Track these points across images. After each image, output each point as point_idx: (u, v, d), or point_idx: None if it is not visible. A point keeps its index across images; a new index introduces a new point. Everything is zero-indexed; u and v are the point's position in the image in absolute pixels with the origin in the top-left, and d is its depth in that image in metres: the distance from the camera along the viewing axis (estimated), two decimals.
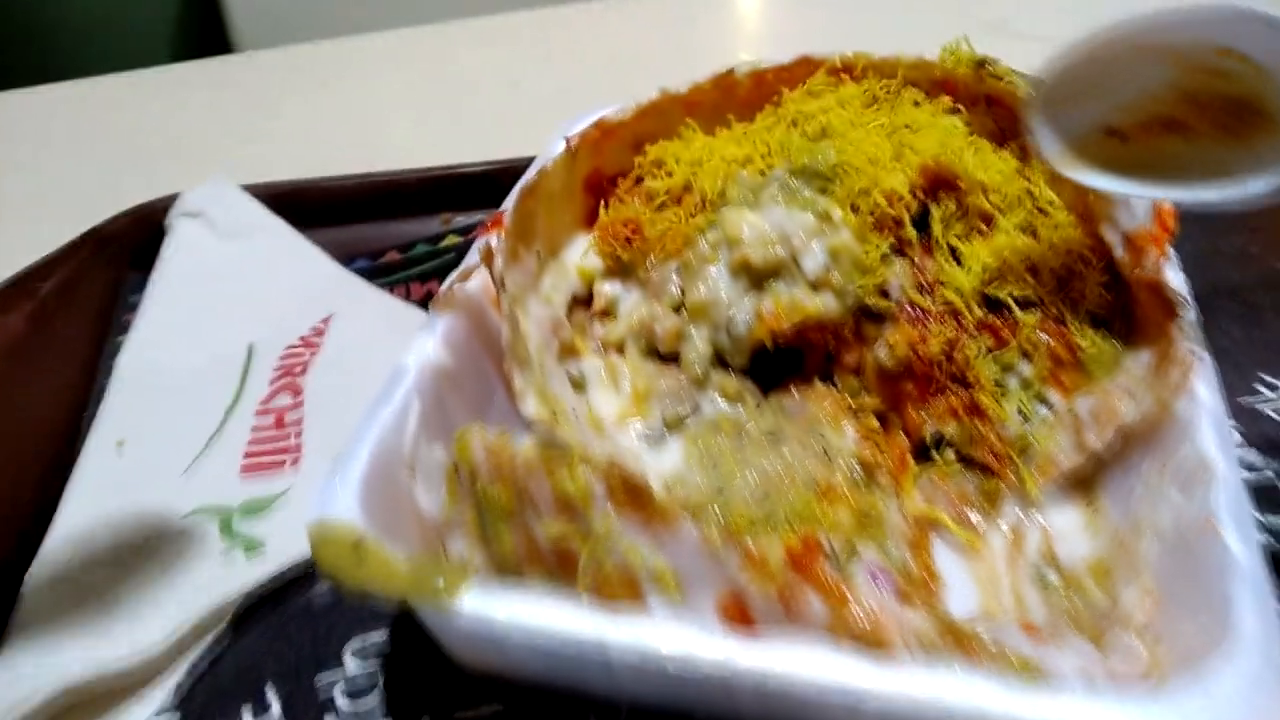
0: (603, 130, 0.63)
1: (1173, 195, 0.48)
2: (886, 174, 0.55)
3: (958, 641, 0.42)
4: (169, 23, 1.92)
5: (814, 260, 0.55)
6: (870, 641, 0.41)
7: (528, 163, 0.88)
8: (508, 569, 0.43)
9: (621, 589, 0.40)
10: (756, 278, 0.57)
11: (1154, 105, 0.45)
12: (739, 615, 0.39)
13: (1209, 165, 0.45)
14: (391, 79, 1.34)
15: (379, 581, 0.41)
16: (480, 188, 0.90)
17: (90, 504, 0.61)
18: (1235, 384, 0.65)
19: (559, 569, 0.42)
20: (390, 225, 0.89)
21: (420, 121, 1.22)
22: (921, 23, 1.32)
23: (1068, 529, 0.53)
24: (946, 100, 0.59)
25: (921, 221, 0.57)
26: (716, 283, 0.57)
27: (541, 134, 1.06)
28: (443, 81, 1.31)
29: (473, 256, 0.59)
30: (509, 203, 0.62)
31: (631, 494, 0.39)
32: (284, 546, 0.58)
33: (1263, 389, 0.65)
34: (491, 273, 0.53)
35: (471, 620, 0.40)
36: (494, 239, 0.56)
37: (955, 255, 0.56)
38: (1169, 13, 0.43)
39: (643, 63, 1.29)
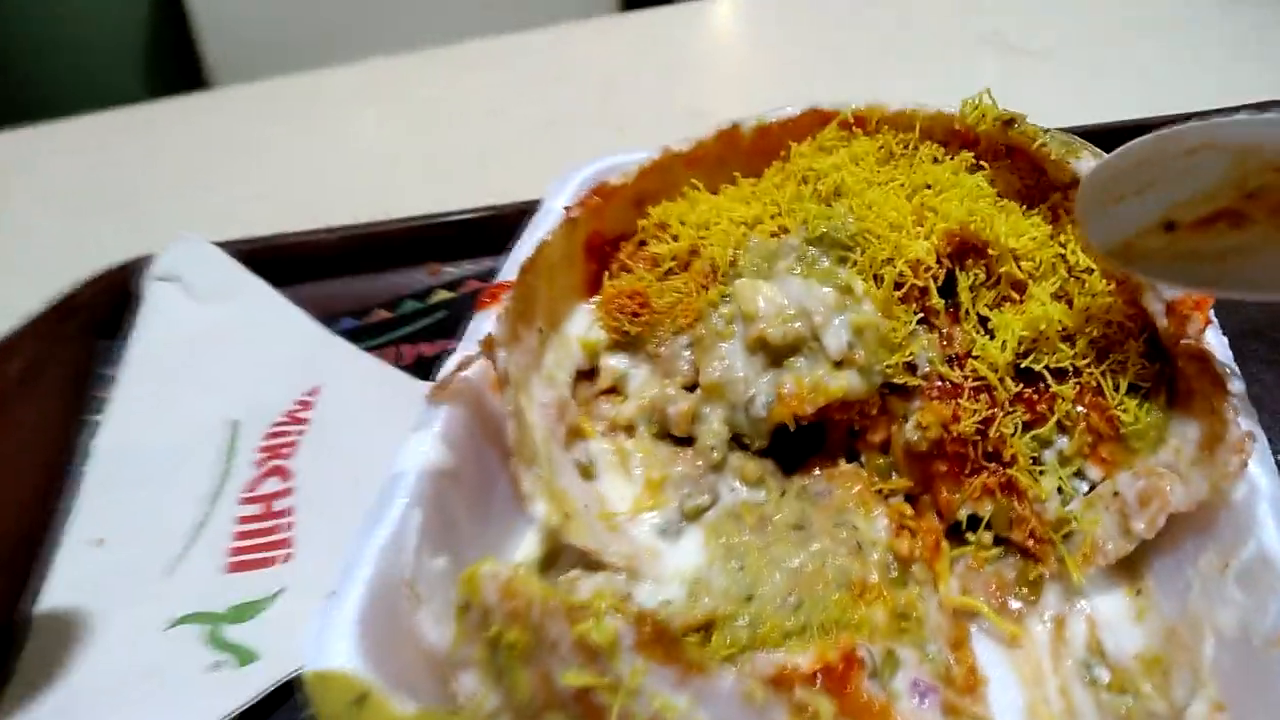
0: (604, 195, 0.59)
1: (1228, 293, 0.46)
2: (910, 241, 0.52)
3: None
4: (140, 56, 1.87)
5: (837, 338, 0.51)
6: None
7: (514, 209, 0.85)
8: (525, 713, 0.40)
9: None
10: (775, 355, 0.53)
11: (1212, 201, 0.43)
12: None
13: (1262, 253, 0.42)
14: (368, 110, 1.30)
15: None
16: (467, 236, 0.86)
17: (70, 615, 0.57)
18: (1271, 433, 0.62)
19: (582, 718, 0.38)
20: (375, 278, 0.85)
21: (400, 154, 1.18)
22: (917, 36, 1.29)
23: (1113, 617, 0.50)
24: (968, 156, 0.56)
25: (947, 288, 0.53)
26: (733, 360, 0.54)
27: (528, 166, 1.03)
28: (422, 111, 1.27)
29: (470, 340, 0.55)
30: (509, 273, 0.59)
31: (664, 643, 0.36)
32: (279, 654, 0.54)
33: None
34: (495, 365, 0.49)
35: None
36: (493, 323, 0.52)
37: (985, 325, 0.53)
38: (1228, 122, 0.41)
39: (625, 86, 1.26)
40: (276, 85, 1.36)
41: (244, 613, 0.57)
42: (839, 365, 0.52)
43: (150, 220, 1.06)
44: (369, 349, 0.76)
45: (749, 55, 1.39)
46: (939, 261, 0.52)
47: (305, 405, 0.70)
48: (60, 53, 1.81)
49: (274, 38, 1.67)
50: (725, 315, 0.55)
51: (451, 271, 0.85)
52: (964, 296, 0.53)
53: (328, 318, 0.79)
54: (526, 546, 0.52)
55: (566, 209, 0.59)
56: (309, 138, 1.24)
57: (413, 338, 0.78)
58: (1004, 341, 0.51)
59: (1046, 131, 0.53)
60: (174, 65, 1.81)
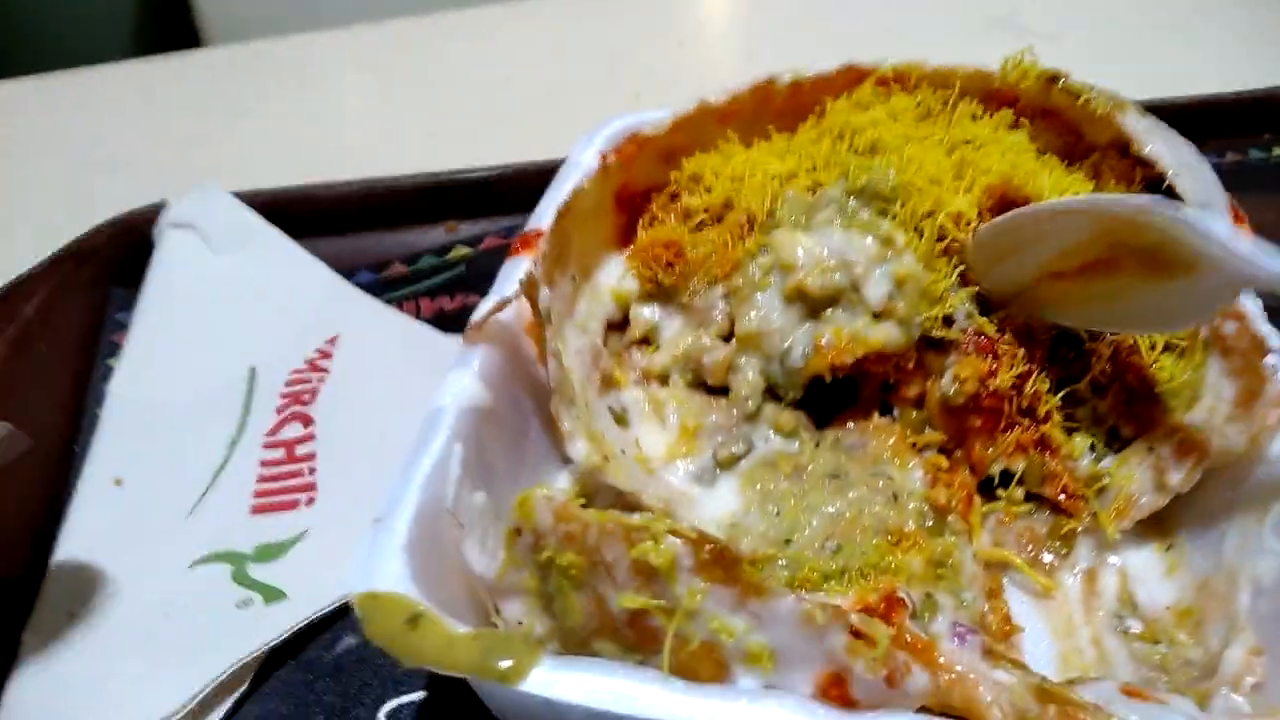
0: (638, 144, 0.59)
1: (1127, 330, 0.51)
2: (951, 195, 0.52)
3: (1059, 709, 0.40)
4: (132, 15, 1.84)
5: (877, 289, 0.51)
6: (966, 711, 0.38)
7: (535, 169, 0.84)
8: (574, 639, 0.40)
9: (708, 666, 0.37)
10: (813, 306, 0.53)
11: (1084, 252, 0.47)
12: (839, 695, 0.36)
13: (1139, 294, 0.46)
14: (375, 74, 1.29)
15: (439, 657, 0.37)
16: (484, 194, 0.86)
17: (89, 551, 0.56)
18: None
19: (636, 643, 0.38)
20: (392, 234, 0.84)
21: (404, 119, 1.17)
22: (929, 17, 1.29)
23: (1144, 572, 0.51)
24: (1008, 114, 0.56)
25: None
26: (769, 311, 0.54)
27: (537, 133, 1.02)
28: (431, 76, 1.26)
29: (504, 283, 0.55)
30: (541, 221, 0.58)
31: (723, 565, 0.36)
32: (306, 593, 0.54)
33: None
34: (535, 306, 0.49)
35: (543, 701, 0.37)
36: (529, 263, 0.52)
37: None
38: (1086, 200, 0.49)
39: (637, 56, 1.25)
40: (280, 45, 1.34)
41: (270, 553, 0.56)
42: (878, 317, 0.52)
43: (150, 176, 1.04)
44: (388, 301, 0.75)
45: (760, 30, 1.38)
46: (980, 215, 0.52)
47: (325, 354, 0.69)
48: (53, 9, 1.78)
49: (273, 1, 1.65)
50: (763, 265, 0.54)
51: (469, 229, 0.84)
52: None
53: (345, 271, 0.78)
54: (559, 490, 0.52)
55: (602, 155, 0.59)
56: (314, 99, 1.23)
57: (432, 291, 0.77)
58: None
59: (1092, 88, 0.53)
60: (168, 27, 1.79)
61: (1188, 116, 0.91)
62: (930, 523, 0.49)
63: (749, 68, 0.65)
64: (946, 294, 0.52)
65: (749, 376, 0.54)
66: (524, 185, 0.75)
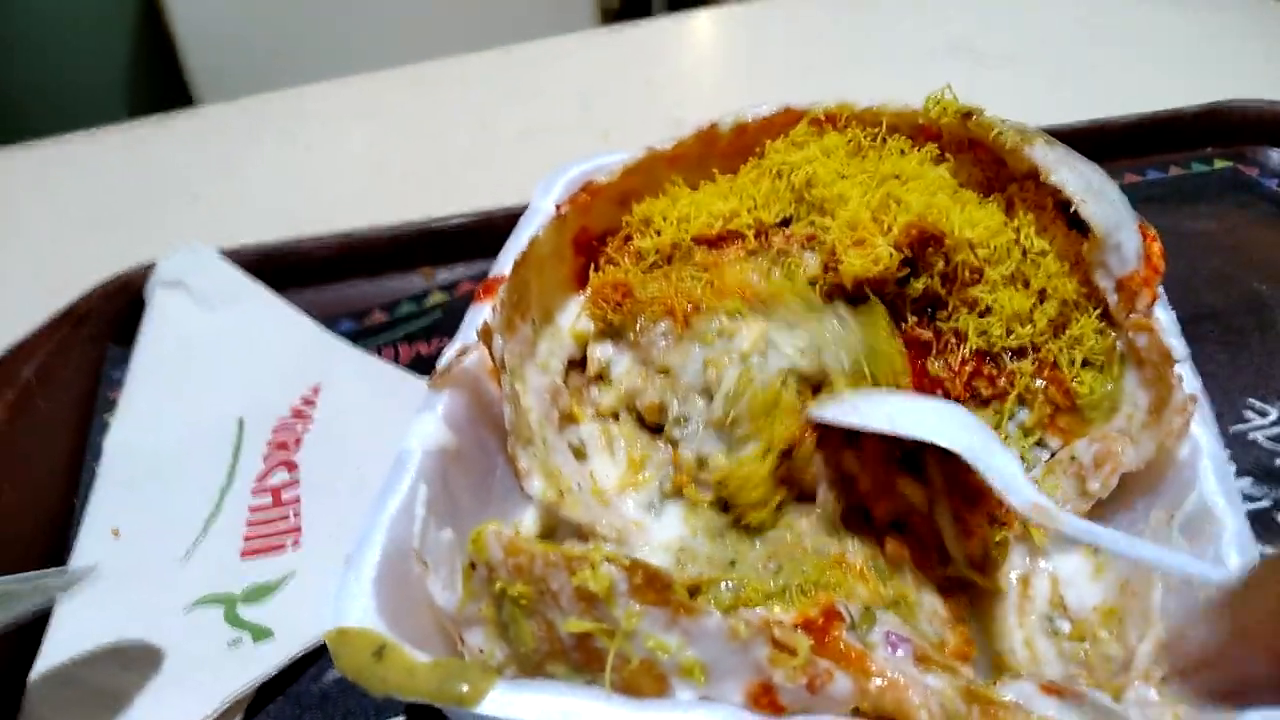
0: (591, 192, 0.63)
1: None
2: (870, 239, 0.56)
3: (982, 708, 0.43)
4: (125, 77, 1.89)
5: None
6: (897, 714, 0.42)
7: (504, 214, 0.89)
8: (529, 663, 0.43)
9: (648, 682, 0.40)
10: None
11: None
12: (768, 703, 0.39)
13: None
14: (358, 125, 1.33)
15: (403, 685, 0.41)
16: (459, 241, 0.90)
17: (89, 600, 0.60)
18: (1224, 411, 0.66)
19: (583, 663, 0.42)
20: (371, 283, 0.89)
21: (387, 166, 1.21)
22: (887, 47, 1.33)
23: (1074, 575, 0.54)
24: (932, 148, 0.60)
25: (905, 279, 0.57)
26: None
27: (512, 175, 1.06)
28: (407, 124, 1.31)
29: (468, 331, 0.58)
30: (502, 269, 0.62)
31: (655, 587, 0.39)
32: (292, 630, 0.58)
33: (1252, 414, 0.66)
34: (491, 353, 0.53)
35: None
36: (489, 314, 0.56)
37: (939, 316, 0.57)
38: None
39: (607, 97, 1.29)
40: (264, 101, 1.39)
41: (258, 594, 0.60)
42: None
43: (147, 233, 1.08)
44: (368, 348, 0.79)
45: (726, 67, 1.43)
46: (899, 249, 0.56)
47: (309, 402, 0.73)
48: (41, 73, 1.83)
49: (257, 57, 1.70)
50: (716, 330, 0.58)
51: (445, 275, 0.89)
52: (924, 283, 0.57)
53: (327, 320, 0.82)
54: (525, 524, 0.56)
55: (556, 206, 0.63)
56: (297, 152, 1.27)
57: (410, 338, 0.81)
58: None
59: (1003, 122, 0.56)
60: (157, 84, 1.84)
61: (1134, 132, 0.95)
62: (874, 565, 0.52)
63: (718, 102, 0.69)
64: None
65: (673, 413, 0.57)
66: (496, 230, 0.79)
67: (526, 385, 0.58)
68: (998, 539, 0.55)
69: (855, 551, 0.51)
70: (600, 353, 0.62)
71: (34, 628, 0.59)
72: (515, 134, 1.22)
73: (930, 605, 0.49)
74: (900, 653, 0.46)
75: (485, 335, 0.53)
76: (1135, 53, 1.22)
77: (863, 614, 0.48)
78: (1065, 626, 0.52)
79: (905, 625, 0.47)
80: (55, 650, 0.57)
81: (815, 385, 0.54)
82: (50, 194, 1.20)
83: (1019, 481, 0.44)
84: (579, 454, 0.58)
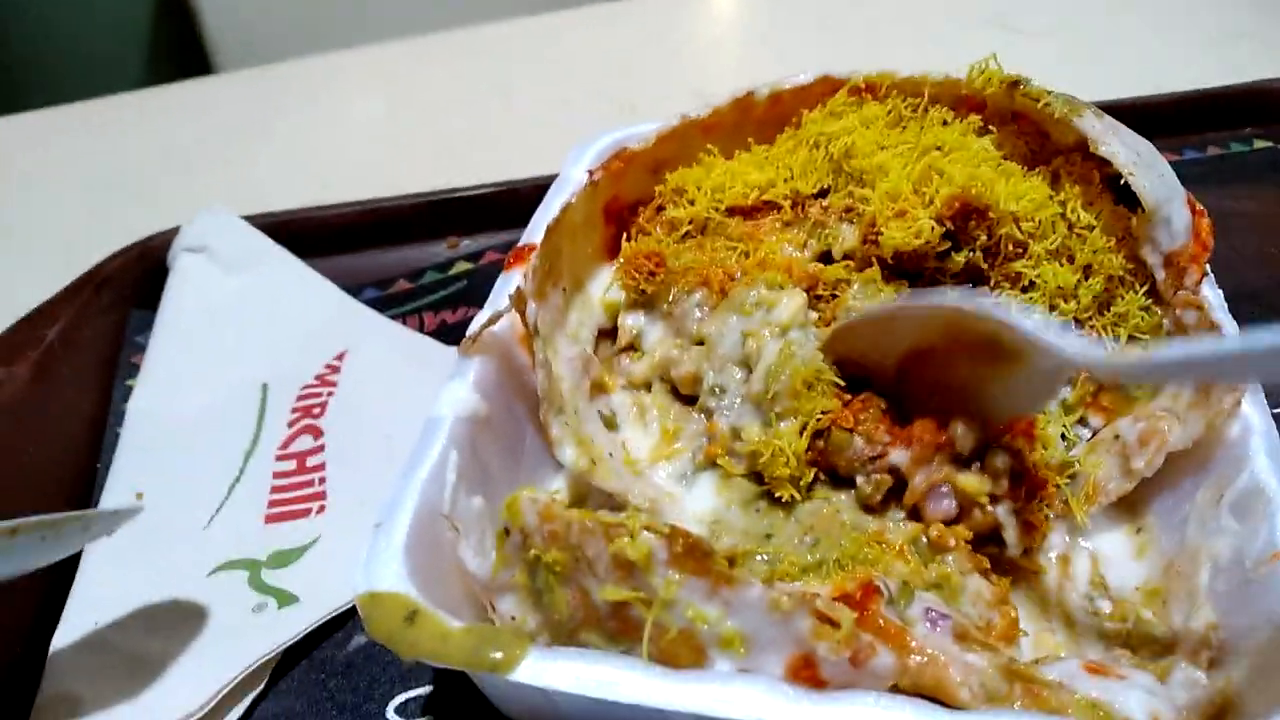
0: (625, 160, 0.62)
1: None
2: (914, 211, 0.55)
3: (1024, 687, 0.42)
4: (145, 44, 1.88)
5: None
6: (937, 691, 0.41)
7: (529, 184, 0.87)
8: (562, 631, 0.42)
9: (686, 652, 0.39)
10: None
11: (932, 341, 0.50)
12: (809, 676, 0.38)
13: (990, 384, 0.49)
14: (379, 94, 1.32)
15: (435, 650, 0.40)
16: (484, 210, 0.89)
17: (112, 563, 0.59)
18: (1268, 392, 0.64)
19: (619, 632, 0.41)
20: (396, 251, 0.88)
21: (410, 136, 1.20)
22: (919, 20, 1.31)
23: (1115, 554, 0.53)
24: (976, 119, 0.58)
25: (946, 253, 0.56)
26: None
27: (534, 145, 1.05)
28: (432, 94, 1.29)
29: (499, 298, 0.57)
30: (533, 236, 0.61)
31: (695, 557, 0.38)
32: (317, 596, 0.57)
33: None
34: (524, 318, 0.52)
35: (532, 689, 0.39)
36: (521, 280, 0.55)
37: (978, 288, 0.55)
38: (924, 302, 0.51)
39: (630, 68, 1.28)
40: (287, 69, 1.38)
41: (283, 559, 0.59)
42: None
43: (166, 199, 1.08)
44: (392, 316, 0.78)
45: (753, 39, 1.41)
46: (941, 223, 0.54)
47: (333, 369, 0.72)
48: (64, 42, 1.83)
49: (277, 26, 1.69)
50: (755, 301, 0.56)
51: (470, 244, 0.88)
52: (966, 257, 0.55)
53: (351, 288, 0.81)
54: (556, 492, 0.55)
55: (589, 172, 0.61)
56: (320, 120, 1.26)
57: (435, 306, 0.80)
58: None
59: (1050, 93, 0.55)
60: (178, 53, 1.83)
61: (1172, 111, 0.94)
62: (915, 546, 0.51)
63: (743, 75, 0.68)
64: None
65: (708, 383, 0.56)
66: (522, 200, 0.78)
67: (557, 353, 0.57)
68: (1040, 517, 0.54)
69: (895, 531, 0.50)
70: (632, 322, 0.61)
71: (57, 593, 0.58)
72: (537, 105, 1.21)
73: (974, 588, 0.47)
74: (939, 629, 0.45)
75: (519, 301, 0.52)
76: (1175, 29, 1.20)
77: (900, 589, 0.47)
78: (1106, 606, 0.51)
79: (945, 604, 0.47)
80: (78, 615, 0.57)
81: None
82: (73, 159, 1.19)
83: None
84: (609, 424, 0.58)
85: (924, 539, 0.49)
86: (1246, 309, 0.71)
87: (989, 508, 0.50)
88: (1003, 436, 0.50)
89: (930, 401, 0.51)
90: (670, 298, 0.60)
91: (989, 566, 0.49)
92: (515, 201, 0.85)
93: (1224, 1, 1.24)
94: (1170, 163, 0.89)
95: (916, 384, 0.52)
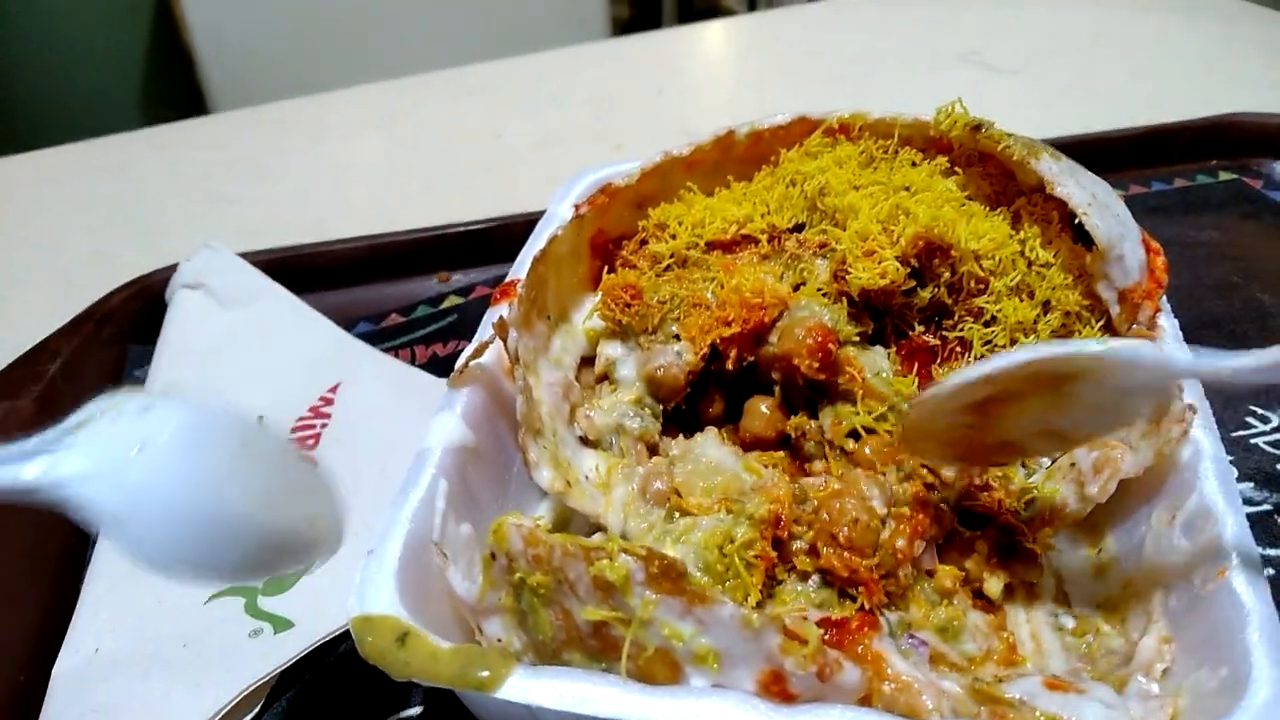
0: (609, 195, 0.64)
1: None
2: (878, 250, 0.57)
3: (990, 708, 0.44)
4: (142, 87, 1.92)
5: None
6: (905, 710, 0.43)
7: (519, 220, 0.90)
8: (546, 650, 0.44)
9: (663, 669, 0.41)
10: None
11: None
12: (779, 691, 0.40)
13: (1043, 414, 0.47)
14: (374, 133, 1.35)
15: (426, 669, 0.42)
16: (474, 245, 0.92)
17: (112, 591, 0.61)
18: (1226, 418, 0.67)
19: (600, 651, 0.43)
20: (388, 286, 0.90)
21: (403, 174, 1.23)
22: (898, 58, 1.34)
23: (1077, 574, 0.55)
24: (943, 160, 0.61)
25: (913, 290, 0.59)
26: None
27: (525, 183, 1.08)
28: (423, 133, 1.32)
29: (486, 330, 0.60)
30: (520, 272, 0.64)
31: (670, 577, 0.40)
32: (314, 621, 0.59)
33: (1254, 421, 0.67)
34: (506, 346, 0.54)
35: (517, 706, 0.41)
36: (506, 310, 0.57)
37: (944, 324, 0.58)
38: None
39: (619, 107, 1.31)
40: (283, 109, 1.42)
41: (278, 585, 0.61)
42: None
43: (167, 236, 1.10)
44: (385, 350, 0.81)
45: (737, 77, 1.44)
46: (905, 261, 0.57)
47: (327, 400, 0.75)
48: (64, 86, 1.86)
49: (271, 67, 1.73)
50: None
51: (460, 279, 0.90)
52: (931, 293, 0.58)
53: (345, 322, 0.84)
54: (540, 517, 0.58)
55: (575, 206, 0.64)
56: (315, 159, 1.29)
57: (426, 339, 0.82)
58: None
59: (1011, 136, 0.58)
60: (175, 96, 1.86)
61: (1140, 143, 0.97)
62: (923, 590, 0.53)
63: (727, 115, 0.71)
64: None
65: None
66: (512, 235, 0.81)
67: (539, 379, 0.59)
68: (1007, 543, 0.56)
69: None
70: (609, 351, 0.63)
71: (59, 621, 0.60)
72: (527, 143, 1.24)
73: (974, 622, 0.50)
74: (917, 655, 0.48)
75: (500, 328, 0.55)
76: (1143, 65, 1.24)
77: (898, 623, 0.50)
78: (1069, 622, 0.53)
79: (942, 638, 0.49)
80: (79, 642, 0.58)
81: None
82: (75, 198, 1.22)
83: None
84: (589, 447, 0.60)
85: (928, 587, 0.51)
86: (1210, 336, 0.75)
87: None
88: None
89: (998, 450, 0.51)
90: (646, 329, 0.62)
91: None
92: (506, 236, 0.88)
93: (1188, 37, 1.28)
94: (1138, 194, 0.93)
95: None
